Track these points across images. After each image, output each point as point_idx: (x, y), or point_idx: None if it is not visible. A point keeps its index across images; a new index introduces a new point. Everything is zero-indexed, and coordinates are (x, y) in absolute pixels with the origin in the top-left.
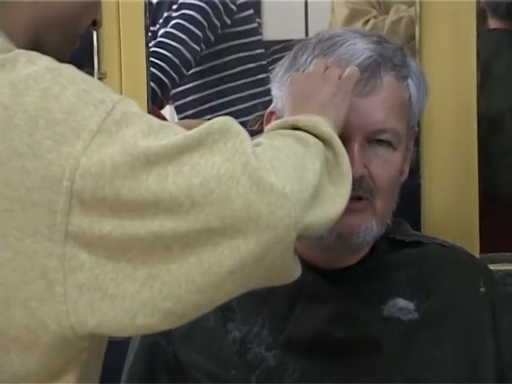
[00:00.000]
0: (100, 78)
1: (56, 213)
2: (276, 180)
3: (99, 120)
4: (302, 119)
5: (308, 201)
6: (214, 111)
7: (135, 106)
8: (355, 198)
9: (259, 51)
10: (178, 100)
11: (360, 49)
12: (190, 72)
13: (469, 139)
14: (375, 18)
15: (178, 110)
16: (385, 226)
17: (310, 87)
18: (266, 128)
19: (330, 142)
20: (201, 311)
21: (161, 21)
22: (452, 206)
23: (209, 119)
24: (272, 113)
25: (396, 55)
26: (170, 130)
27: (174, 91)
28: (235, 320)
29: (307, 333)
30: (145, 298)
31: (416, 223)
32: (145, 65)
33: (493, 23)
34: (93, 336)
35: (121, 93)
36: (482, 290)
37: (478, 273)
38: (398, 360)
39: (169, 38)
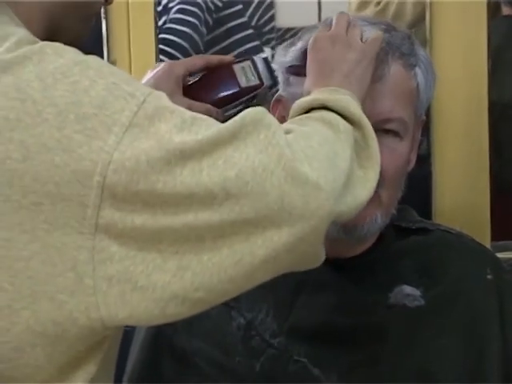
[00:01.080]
0: None
1: (87, 207)
2: (310, 171)
3: (130, 114)
4: (332, 99)
5: (341, 190)
6: None
7: (165, 99)
8: None
9: (250, 31)
10: None
11: (368, 37)
12: None
13: (480, 127)
14: None
15: None
16: (390, 216)
17: (334, 55)
18: (294, 105)
19: (359, 123)
20: (229, 297)
21: None
22: (463, 194)
23: None
24: (279, 100)
25: (404, 43)
26: (203, 122)
27: None
28: (240, 307)
29: (312, 320)
30: (175, 289)
31: (427, 211)
32: (154, 53)
33: (506, 10)
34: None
35: None
36: (489, 277)
37: (485, 260)
38: (404, 347)
39: (177, 23)
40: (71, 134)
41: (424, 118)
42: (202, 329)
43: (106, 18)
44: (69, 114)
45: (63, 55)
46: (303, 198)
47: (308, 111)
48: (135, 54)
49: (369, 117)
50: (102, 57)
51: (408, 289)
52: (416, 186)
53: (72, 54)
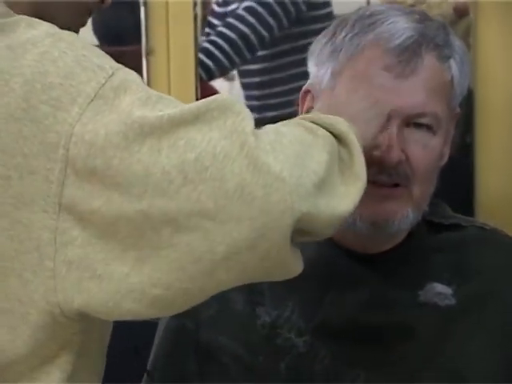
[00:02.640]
0: (147, 54)
1: (52, 182)
2: (274, 162)
3: (97, 86)
4: (321, 117)
5: (309, 189)
6: (279, 96)
7: (135, 75)
8: (391, 184)
9: None
10: (246, 78)
11: (401, 28)
12: (261, 53)
13: None
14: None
15: (244, 86)
16: (422, 212)
17: (341, 99)
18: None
19: (346, 140)
20: (192, 300)
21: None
22: (507, 184)
23: (272, 104)
24: (307, 92)
25: (439, 34)
26: (170, 102)
27: (242, 68)
28: (264, 304)
29: (340, 319)
30: (133, 282)
31: (469, 205)
32: (193, 41)
33: None
34: (84, 318)
35: (168, 69)
36: None
37: None
38: (433, 347)
39: (238, 20)
40: (37, 105)
41: (458, 110)
42: (227, 325)
43: (145, 5)
44: (35, 84)
45: (37, 27)
46: (264, 188)
47: None
48: (173, 41)
49: (401, 111)
50: (139, 45)
51: (439, 287)
52: (458, 177)
53: (46, 26)
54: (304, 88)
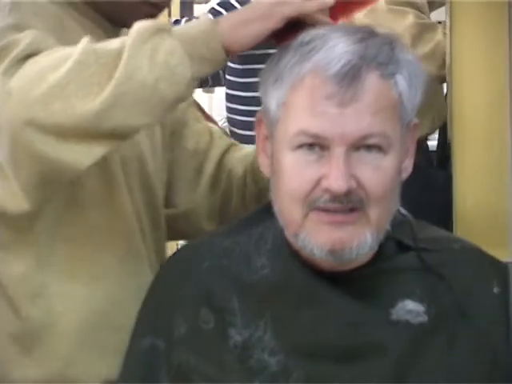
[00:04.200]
0: None
1: None
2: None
3: None
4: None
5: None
6: None
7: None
8: (347, 209)
9: None
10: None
11: (339, 53)
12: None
13: (502, 129)
14: None
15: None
16: (383, 233)
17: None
18: None
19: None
20: None
21: None
22: (486, 199)
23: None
24: (260, 120)
25: (382, 51)
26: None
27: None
28: (236, 324)
29: (312, 338)
30: None
31: (448, 216)
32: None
33: None
34: None
35: None
36: (496, 290)
37: (492, 272)
38: (407, 366)
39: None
40: None
41: (416, 121)
42: (198, 345)
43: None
44: None
45: None
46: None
47: None
48: None
49: (346, 138)
50: None
51: (411, 304)
52: (437, 189)
53: None
54: (257, 115)
